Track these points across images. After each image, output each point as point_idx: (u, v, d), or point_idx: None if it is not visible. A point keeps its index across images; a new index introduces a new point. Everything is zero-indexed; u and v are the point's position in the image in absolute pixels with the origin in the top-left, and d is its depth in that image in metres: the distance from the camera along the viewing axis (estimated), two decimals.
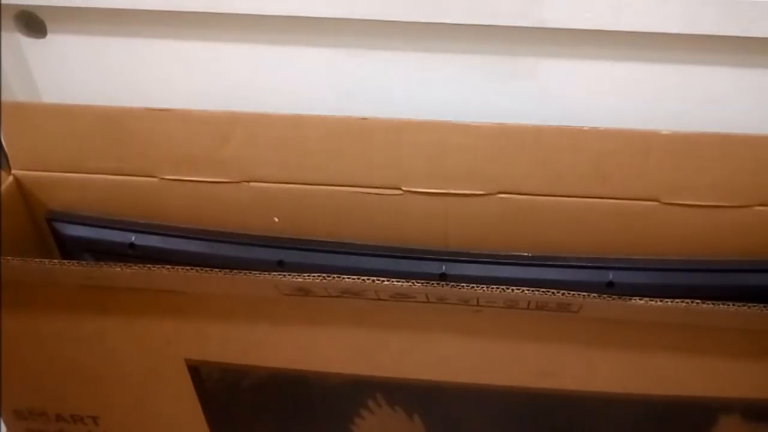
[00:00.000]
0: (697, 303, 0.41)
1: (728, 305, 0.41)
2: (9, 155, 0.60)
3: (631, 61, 0.59)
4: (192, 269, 0.45)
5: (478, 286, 0.42)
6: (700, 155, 0.53)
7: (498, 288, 0.42)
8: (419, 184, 0.57)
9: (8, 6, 0.62)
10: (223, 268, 0.45)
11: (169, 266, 0.45)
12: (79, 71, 0.66)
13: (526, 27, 0.56)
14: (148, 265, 0.45)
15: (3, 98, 0.64)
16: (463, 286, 0.42)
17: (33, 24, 0.64)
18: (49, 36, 0.64)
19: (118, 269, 0.45)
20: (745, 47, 0.57)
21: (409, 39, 0.60)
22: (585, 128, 0.53)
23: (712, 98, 0.60)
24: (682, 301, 0.41)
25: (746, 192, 0.54)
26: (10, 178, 0.60)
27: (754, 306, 0.41)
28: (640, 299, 0.42)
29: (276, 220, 0.59)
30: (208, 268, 0.44)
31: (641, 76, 0.60)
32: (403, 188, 0.57)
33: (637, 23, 0.55)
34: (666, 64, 0.59)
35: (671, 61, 0.58)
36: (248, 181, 0.58)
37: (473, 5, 0.56)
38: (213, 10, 0.59)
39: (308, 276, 0.44)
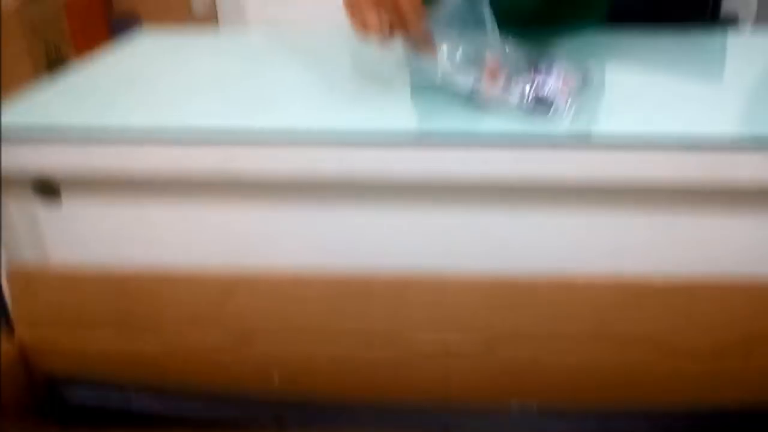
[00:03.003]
0: None
1: None
2: (14, 320, 0.60)
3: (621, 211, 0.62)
4: None
5: None
6: (695, 301, 0.53)
7: None
8: (419, 339, 0.57)
9: (25, 172, 0.65)
10: (225, 429, 0.44)
11: None
12: (90, 234, 0.68)
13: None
14: None
15: (12, 262, 0.66)
16: None
17: (48, 190, 0.67)
18: (63, 202, 0.67)
19: None
20: (729, 197, 0.59)
21: (409, 195, 0.63)
22: (579, 279, 0.54)
23: (702, 244, 0.62)
24: None
25: (743, 339, 0.54)
26: (13, 342, 0.60)
27: None
28: None
29: (276, 379, 0.59)
30: None
31: (631, 226, 0.62)
32: (403, 345, 0.57)
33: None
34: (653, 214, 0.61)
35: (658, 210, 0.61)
36: (249, 341, 0.59)
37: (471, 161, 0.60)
38: (221, 175, 0.63)
39: None
